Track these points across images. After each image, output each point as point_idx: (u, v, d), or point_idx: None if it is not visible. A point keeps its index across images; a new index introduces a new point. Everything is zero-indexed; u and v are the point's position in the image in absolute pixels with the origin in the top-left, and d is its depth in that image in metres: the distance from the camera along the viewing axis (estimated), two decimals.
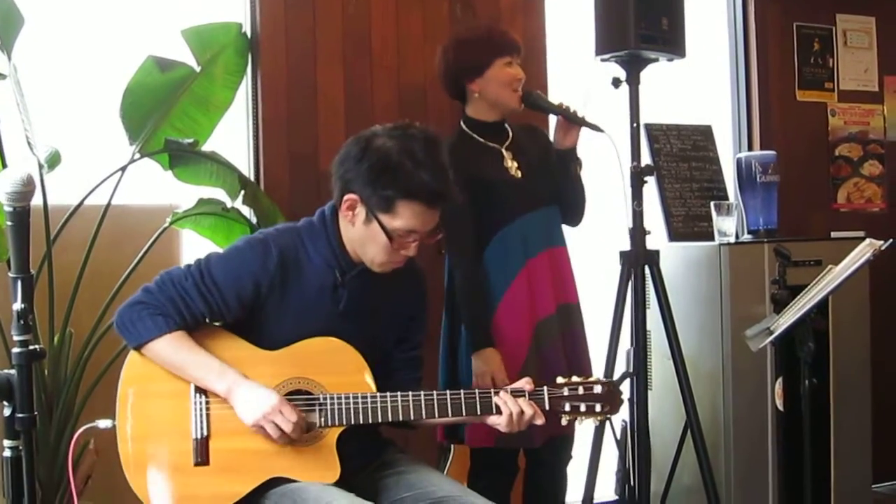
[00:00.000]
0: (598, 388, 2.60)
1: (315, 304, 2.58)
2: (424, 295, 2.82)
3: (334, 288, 2.59)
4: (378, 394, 2.52)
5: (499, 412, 2.54)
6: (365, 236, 2.54)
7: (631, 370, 2.67)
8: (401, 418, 2.52)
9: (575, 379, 2.61)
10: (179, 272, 2.54)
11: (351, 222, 2.56)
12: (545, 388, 2.58)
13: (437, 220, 2.57)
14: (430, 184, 2.48)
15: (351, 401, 2.49)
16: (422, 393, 2.53)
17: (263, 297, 2.53)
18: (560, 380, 2.61)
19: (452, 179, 2.55)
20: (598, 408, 2.59)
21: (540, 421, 2.56)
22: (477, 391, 2.56)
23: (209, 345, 2.51)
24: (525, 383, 2.59)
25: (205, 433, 2.46)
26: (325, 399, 2.50)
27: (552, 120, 3.46)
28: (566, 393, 2.58)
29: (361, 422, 2.50)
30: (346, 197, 2.53)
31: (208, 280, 2.51)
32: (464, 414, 2.55)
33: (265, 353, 2.53)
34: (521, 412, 2.53)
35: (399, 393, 2.52)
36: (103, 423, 2.50)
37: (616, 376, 3.38)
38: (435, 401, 2.53)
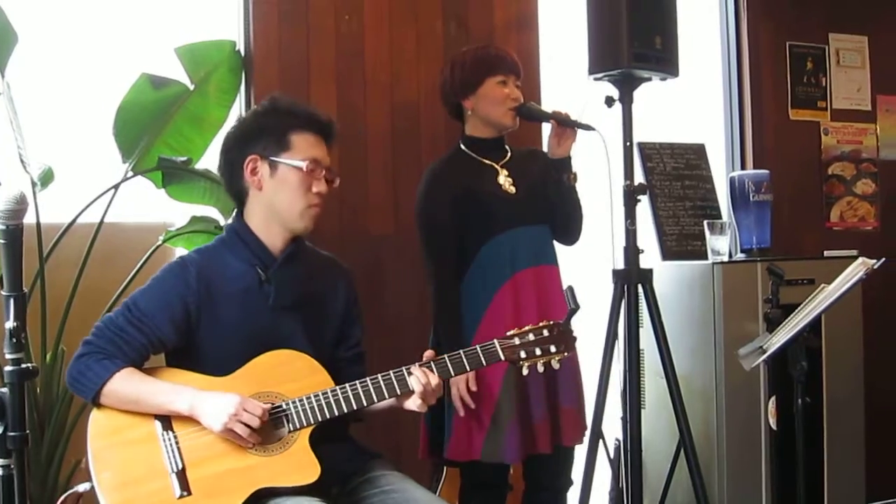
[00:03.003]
0: (546, 332, 2.66)
1: (245, 305, 2.62)
2: (354, 292, 2.87)
3: (260, 284, 2.64)
4: (337, 387, 2.56)
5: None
6: (275, 189, 2.63)
7: (574, 306, 2.67)
8: (364, 404, 2.55)
9: (525, 328, 2.66)
10: (111, 315, 2.59)
11: (258, 187, 2.64)
12: (495, 340, 2.64)
13: (329, 158, 2.69)
14: (312, 112, 2.69)
15: (313, 400, 2.54)
16: (379, 376, 2.57)
17: (195, 315, 2.58)
18: (509, 332, 2.66)
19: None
20: (552, 349, 2.65)
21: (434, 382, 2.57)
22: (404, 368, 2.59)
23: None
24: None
25: (180, 466, 2.47)
26: (288, 405, 2.54)
27: (545, 137, 3.45)
28: (517, 342, 2.64)
29: (327, 416, 2.53)
30: (245, 162, 2.64)
31: (137, 313, 2.56)
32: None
33: (219, 378, 2.57)
34: (429, 381, 2.56)
35: (357, 381, 2.56)
36: (83, 487, 2.54)
37: (609, 393, 3.39)
38: (393, 380, 2.56)
